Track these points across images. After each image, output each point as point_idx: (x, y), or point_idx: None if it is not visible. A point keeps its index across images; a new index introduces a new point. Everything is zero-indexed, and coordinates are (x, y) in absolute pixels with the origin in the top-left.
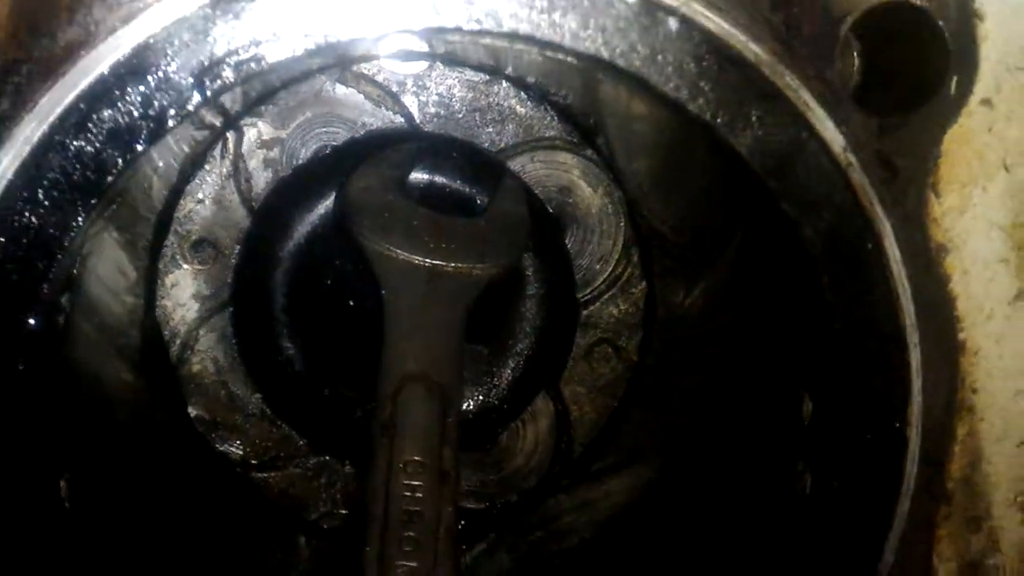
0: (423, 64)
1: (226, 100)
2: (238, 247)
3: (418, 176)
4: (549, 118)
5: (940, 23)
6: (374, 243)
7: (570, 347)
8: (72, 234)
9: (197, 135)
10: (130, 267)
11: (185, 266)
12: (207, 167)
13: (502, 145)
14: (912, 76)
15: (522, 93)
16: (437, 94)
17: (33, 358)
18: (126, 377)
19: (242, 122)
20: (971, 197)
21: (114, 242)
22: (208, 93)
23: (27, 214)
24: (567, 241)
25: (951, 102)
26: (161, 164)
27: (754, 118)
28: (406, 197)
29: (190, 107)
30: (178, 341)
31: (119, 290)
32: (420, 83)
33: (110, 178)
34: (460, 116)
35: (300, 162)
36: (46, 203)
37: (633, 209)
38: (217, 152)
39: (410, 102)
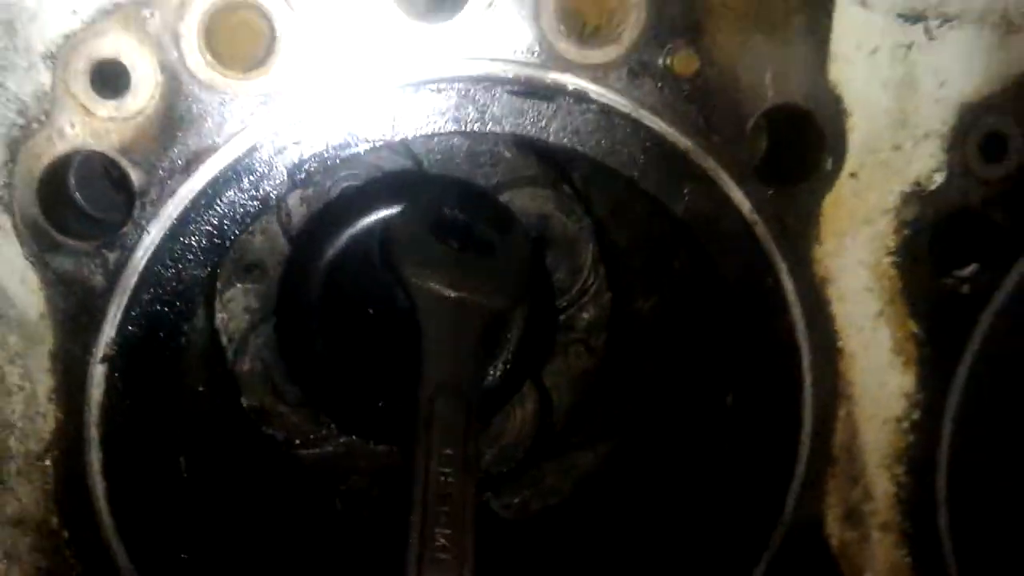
0: None
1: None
2: (280, 268)
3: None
4: (531, 159)
5: (818, 118)
6: (416, 279)
7: (551, 345)
8: (199, 281)
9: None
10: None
11: (238, 285)
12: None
13: (494, 182)
14: (799, 158)
15: (507, 141)
16: (440, 143)
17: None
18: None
19: None
20: (843, 244)
21: None
22: (296, 180)
23: (170, 269)
24: (547, 260)
25: (828, 176)
26: None
27: (686, 191)
28: (437, 239)
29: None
30: (233, 345)
31: None
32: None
33: (228, 243)
34: (459, 161)
35: (330, 199)
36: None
37: (600, 234)
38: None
39: (418, 148)
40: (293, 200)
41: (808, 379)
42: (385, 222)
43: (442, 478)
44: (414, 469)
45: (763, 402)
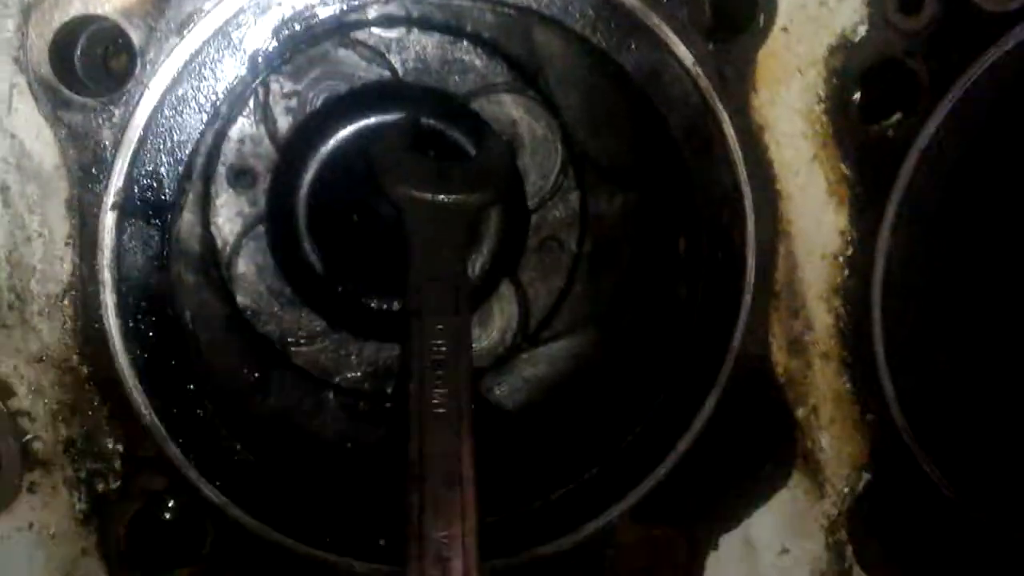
0: (403, 30)
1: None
2: (269, 175)
3: (424, 123)
4: (501, 67)
5: None
6: (399, 189)
7: (525, 244)
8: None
9: (234, 89)
10: (190, 193)
11: (230, 190)
12: (244, 114)
13: (466, 90)
14: (735, 14)
15: (479, 48)
16: (415, 53)
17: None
18: (188, 278)
19: (268, 79)
20: (778, 93)
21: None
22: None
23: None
24: (519, 162)
25: (761, 30)
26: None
27: (633, 45)
28: (416, 150)
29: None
30: (227, 248)
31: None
32: (401, 44)
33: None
34: (433, 69)
35: (313, 108)
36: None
37: (568, 137)
38: (251, 103)
39: (394, 60)
40: (279, 109)
41: (751, 220)
42: (365, 137)
43: (436, 348)
44: (410, 346)
45: (712, 244)
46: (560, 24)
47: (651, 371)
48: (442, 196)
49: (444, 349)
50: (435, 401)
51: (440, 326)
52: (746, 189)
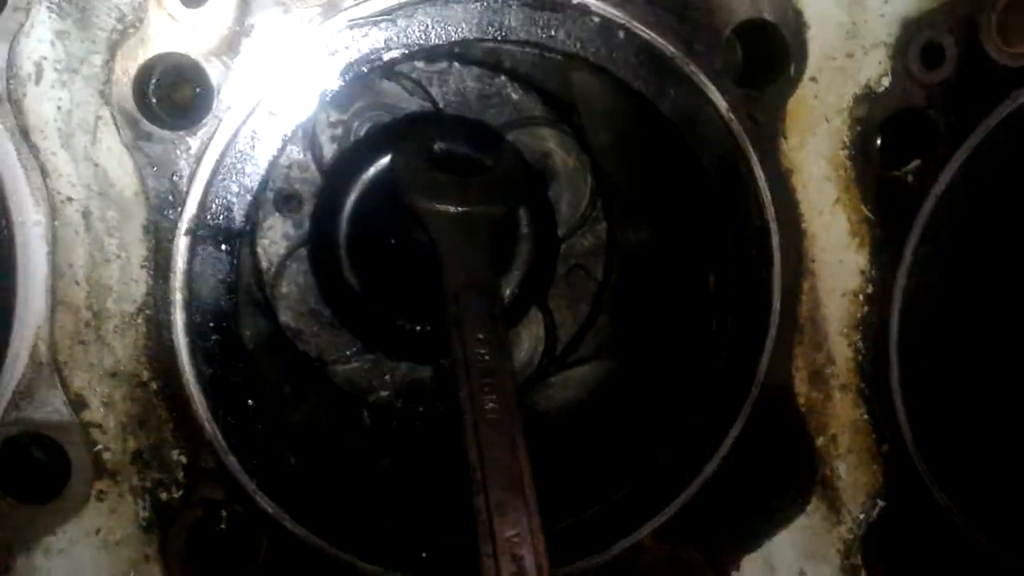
0: (444, 64)
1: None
2: (314, 200)
3: (440, 146)
4: (536, 101)
5: (782, 30)
6: (423, 203)
7: (554, 271)
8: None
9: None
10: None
11: (277, 214)
12: (292, 142)
13: (502, 122)
14: (768, 64)
15: (515, 83)
16: (455, 86)
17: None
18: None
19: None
20: (806, 139)
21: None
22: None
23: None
24: (549, 193)
25: (791, 80)
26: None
27: (671, 91)
28: (436, 165)
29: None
30: (272, 269)
31: None
32: (442, 78)
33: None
34: (471, 101)
35: (357, 137)
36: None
37: (597, 170)
38: (299, 131)
39: (435, 92)
40: (325, 138)
41: (777, 257)
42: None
43: (480, 358)
44: (455, 356)
45: (740, 279)
46: (605, 71)
47: (678, 398)
48: (464, 208)
49: (487, 357)
50: (487, 407)
51: (480, 335)
52: (774, 227)
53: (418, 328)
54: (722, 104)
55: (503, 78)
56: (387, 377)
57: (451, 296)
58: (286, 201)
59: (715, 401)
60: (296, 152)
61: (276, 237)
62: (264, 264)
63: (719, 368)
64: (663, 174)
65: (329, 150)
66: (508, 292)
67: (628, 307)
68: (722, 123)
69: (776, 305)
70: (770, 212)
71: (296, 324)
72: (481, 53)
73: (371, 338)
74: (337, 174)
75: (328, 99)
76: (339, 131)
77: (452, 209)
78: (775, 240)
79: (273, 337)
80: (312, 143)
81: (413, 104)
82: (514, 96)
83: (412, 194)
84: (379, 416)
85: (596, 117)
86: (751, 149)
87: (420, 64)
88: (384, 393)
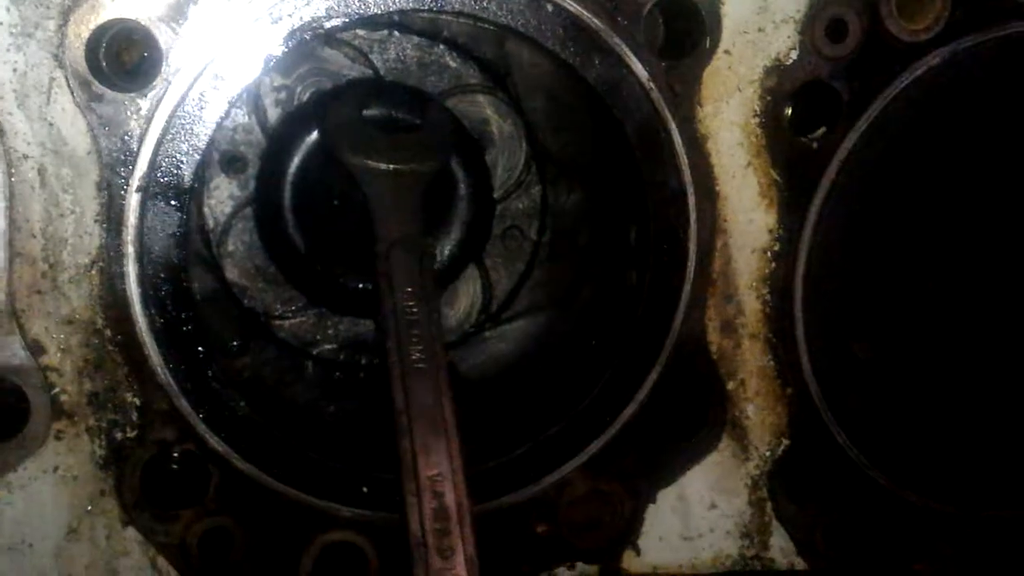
0: (385, 32)
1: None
2: (259, 161)
3: (371, 111)
4: (473, 69)
5: (699, 5)
6: (354, 159)
7: (490, 231)
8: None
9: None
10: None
11: (222, 175)
12: (237, 105)
13: (440, 89)
14: (685, 37)
15: (454, 52)
16: (395, 53)
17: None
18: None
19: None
20: (720, 107)
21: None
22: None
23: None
24: (487, 158)
25: (707, 52)
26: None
27: (597, 62)
28: (367, 123)
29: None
30: (218, 228)
31: None
32: (383, 45)
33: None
34: (411, 68)
35: (300, 101)
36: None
37: (531, 136)
38: (244, 95)
39: (376, 59)
40: (269, 101)
41: (693, 217)
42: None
43: (408, 309)
44: (384, 308)
45: (659, 237)
46: (534, 41)
47: (603, 347)
48: (395, 164)
49: (415, 310)
50: (413, 357)
51: (409, 288)
52: (690, 190)
53: (360, 285)
54: (643, 74)
55: (442, 47)
56: (330, 331)
57: (382, 251)
58: (231, 162)
59: (635, 349)
60: (241, 115)
61: (222, 197)
62: (211, 223)
63: (639, 319)
64: (590, 140)
65: (273, 113)
66: (447, 251)
67: (559, 265)
68: (643, 92)
69: (691, 261)
70: (687, 175)
71: (242, 280)
72: (420, 23)
73: (315, 294)
74: (281, 137)
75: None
76: (283, 95)
77: (383, 166)
78: (691, 201)
79: (220, 292)
80: (257, 107)
81: (354, 71)
82: (452, 64)
83: (344, 151)
84: (323, 367)
85: (530, 85)
86: (670, 116)
87: (361, 32)
88: (328, 346)
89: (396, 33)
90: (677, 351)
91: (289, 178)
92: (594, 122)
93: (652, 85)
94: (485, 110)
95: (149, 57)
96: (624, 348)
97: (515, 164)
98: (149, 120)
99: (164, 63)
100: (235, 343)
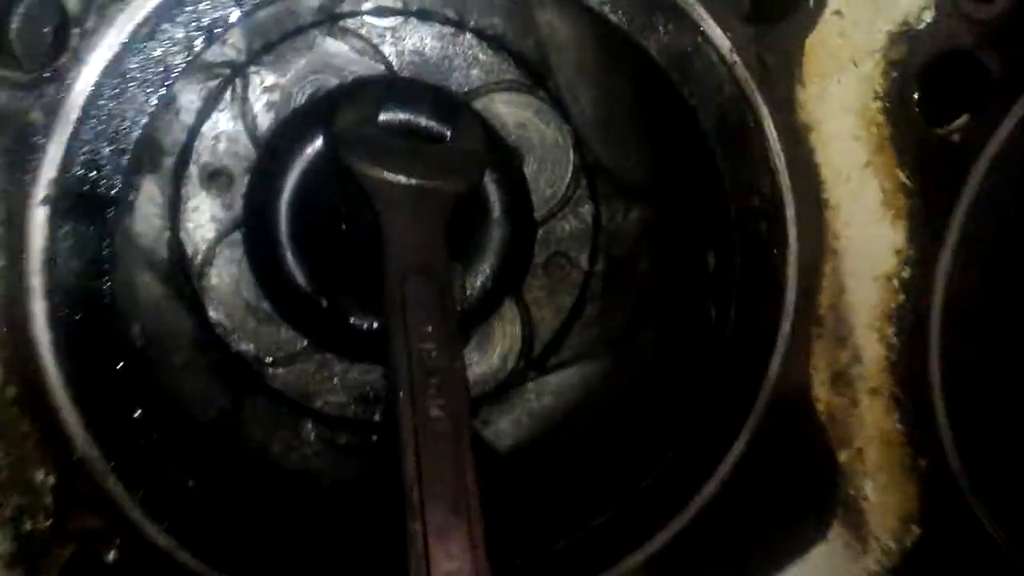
0: (399, 19)
1: (231, 52)
2: (247, 177)
3: (389, 115)
4: (506, 64)
5: None
6: (363, 168)
7: (531, 259)
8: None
9: (210, 83)
10: (158, 195)
11: (203, 193)
12: (220, 109)
13: (467, 88)
14: None
15: (483, 43)
16: (412, 45)
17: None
18: (156, 289)
19: (247, 70)
20: (828, 87)
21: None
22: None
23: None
24: (525, 169)
25: (810, 13)
26: (181, 108)
27: (660, 27)
28: (383, 130)
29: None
30: (199, 257)
31: (150, 216)
32: (397, 35)
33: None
34: (431, 63)
35: (297, 104)
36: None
37: (580, 141)
38: (227, 96)
39: (388, 52)
40: (259, 105)
41: (793, 233)
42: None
43: (426, 353)
44: (395, 350)
45: (747, 261)
46: (578, 4)
47: (673, 405)
48: (416, 179)
49: (434, 353)
50: (431, 415)
51: (429, 327)
52: (788, 197)
53: (373, 325)
54: (724, 44)
55: (468, 36)
56: (336, 381)
57: (395, 280)
58: (213, 177)
59: (716, 409)
60: (225, 120)
61: (203, 220)
62: (189, 250)
63: (720, 369)
64: (654, 139)
65: (265, 119)
66: (478, 284)
67: (617, 300)
68: (724, 68)
69: (791, 293)
70: (783, 178)
71: (229, 320)
72: (442, 6)
73: (318, 336)
74: (274, 147)
75: (241, 47)
76: (276, 97)
77: (402, 180)
78: (789, 212)
79: (199, 335)
80: (244, 110)
81: (363, 66)
82: (482, 57)
83: (356, 160)
84: (326, 426)
85: (575, 77)
86: (760, 100)
87: (371, 19)
88: (333, 399)
89: (413, 20)
90: (772, 411)
91: (286, 197)
92: (656, 116)
93: (736, 58)
94: (523, 112)
95: (58, 28)
96: (702, 407)
97: (560, 177)
98: (57, 109)
99: (74, 34)
100: (223, 398)
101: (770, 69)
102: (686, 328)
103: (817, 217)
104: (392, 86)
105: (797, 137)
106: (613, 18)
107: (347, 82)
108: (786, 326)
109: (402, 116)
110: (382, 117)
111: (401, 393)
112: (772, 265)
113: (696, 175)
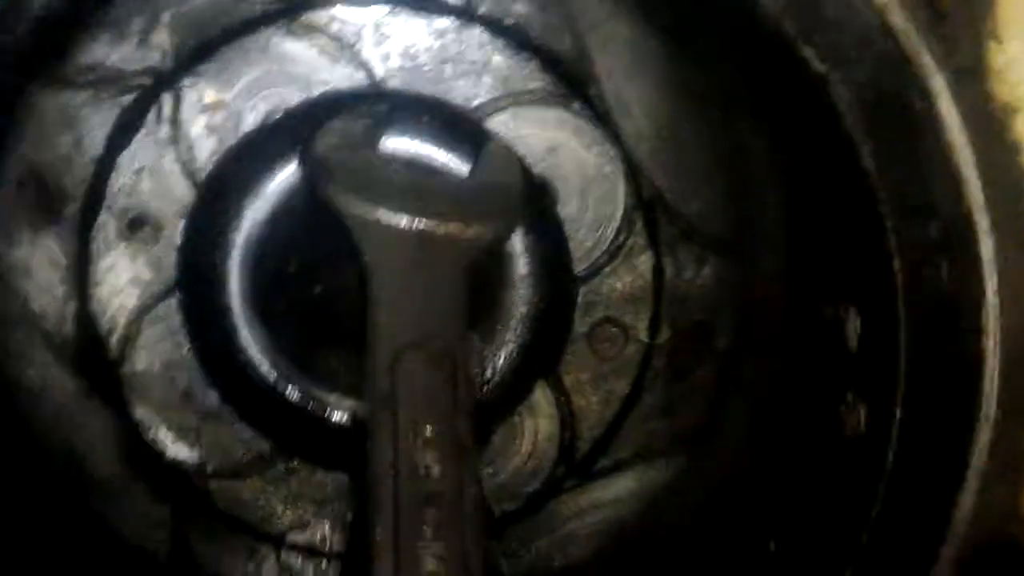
0: (383, 9)
1: (155, 55)
2: (181, 225)
3: (389, 142)
4: (531, 67)
5: None
6: (351, 205)
7: (569, 329)
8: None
9: (125, 100)
10: (59, 253)
11: (122, 247)
12: (142, 134)
13: (478, 102)
14: None
15: (499, 39)
16: (401, 44)
17: None
18: (64, 382)
19: (179, 83)
20: None
21: (39, 225)
22: None
23: None
24: (559, 209)
25: None
26: (85, 134)
27: None
28: (380, 158)
29: None
30: (117, 334)
31: (49, 280)
32: (380, 32)
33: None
34: (428, 69)
35: (249, 128)
36: None
37: (633, 170)
38: (151, 118)
39: (370, 55)
40: (197, 128)
41: (991, 282)
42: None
43: (422, 471)
44: (375, 465)
45: (911, 329)
46: None
47: (789, 547)
48: (422, 223)
49: (435, 470)
50: (427, 567)
51: (429, 428)
52: (983, 223)
53: (358, 421)
54: None
55: (479, 30)
56: (307, 498)
57: (383, 359)
58: (135, 227)
59: (867, 553)
60: (149, 150)
61: (121, 284)
62: (104, 327)
63: (873, 503)
64: (743, 153)
65: (206, 147)
66: (501, 363)
67: (690, 383)
68: (869, 8)
69: (990, 378)
70: (974, 190)
71: (159, 419)
72: None
73: (283, 437)
74: (220, 184)
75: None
76: (220, 118)
77: (404, 221)
78: (986, 246)
79: (120, 438)
80: (176, 136)
81: (335, 76)
82: (497, 59)
83: (339, 190)
84: (294, 558)
85: (625, 81)
86: (931, 64)
87: (345, 10)
88: (303, 521)
89: (402, 10)
90: (963, 561)
91: (238, 250)
92: (759, 103)
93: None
94: (555, 133)
95: None
96: (838, 552)
97: (608, 218)
98: None
99: None
100: (152, 526)
101: (944, 14)
102: (805, 431)
103: None
104: (387, 101)
105: (995, 125)
106: None
107: (316, 98)
108: (984, 435)
109: (405, 141)
110: (380, 141)
111: (378, 532)
112: (960, 333)
113: (821, 192)
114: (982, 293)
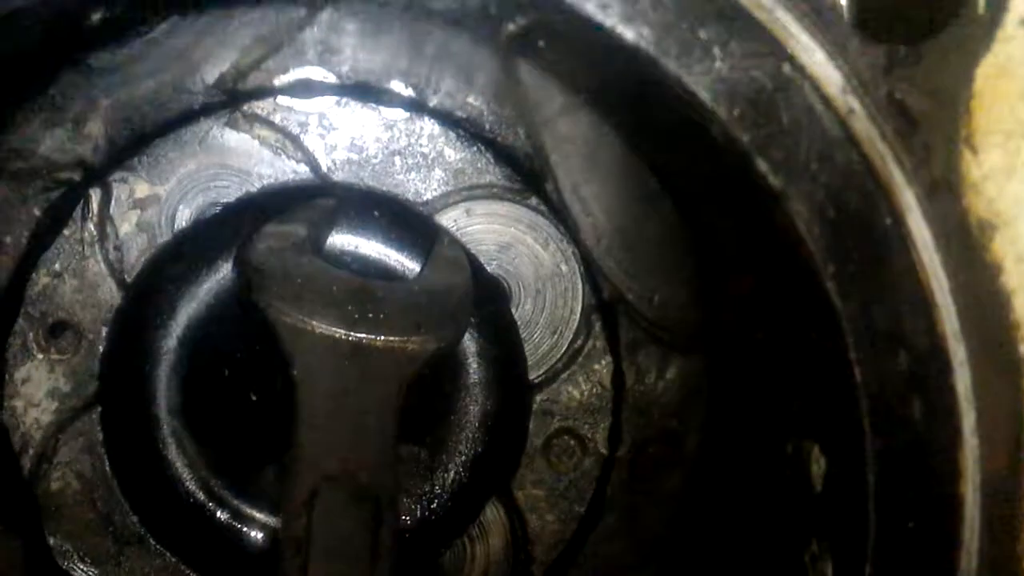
0: (330, 100)
1: (85, 147)
2: (106, 331)
3: (335, 240)
4: (484, 160)
5: None
6: (283, 313)
7: (524, 441)
8: None
9: (51, 195)
10: None
11: (39, 356)
12: (66, 233)
13: (428, 197)
14: None
15: (450, 132)
16: (348, 136)
17: None
18: None
19: (109, 177)
20: (1021, 152)
21: None
22: None
23: None
24: (513, 310)
25: (981, 24)
26: (3, 231)
27: (714, 47)
28: (321, 260)
29: None
30: (31, 451)
31: None
32: (327, 122)
33: None
34: (376, 161)
35: (183, 225)
36: None
37: (592, 269)
38: (78, 214)
39: (315, 146)
40: (126, 226)
41: (968, 420)
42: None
43: None
44: None
45: (881, 472)
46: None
47: None
48: (360, 334)
49: None
50: None
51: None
52: (957, 353)
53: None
54: (833, 78)
55: (429, 122)
56: None
57: (300, 493)
58: (54, 334)
59: None
60: (71, 250)
61: (37, 396)
62: (17, 442)
63: None
64: (705, 257)
65: (135, 246)
66: (449, 479)
67: (651, 501)
68: (833, 119)
69: (969, 528)
70: (947, 318)
71: (76, 546)
72: (389, 74)
73: (215, 564)
74: (150, 287)
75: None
76: (151, 215)
77: (338, 333)
78: (961, 380)
79: (33, 566)
80: (102, 235)
81: (278, 168)
82: (448, 152)
83: (271, 298)
84: None
85: (582, 175)
86: (900, 177)
87: (288, 100)
88: None
89: (349, 99)
90: None
91: (167, 358)
92: (718, 213)
93: (855, 103)
94: (509, 229)
95: None
96: None
97: (565, 320)
98: None
99: None
100: None
101: (914, 120)
102: (770, 559)
103: (1012, 389)
104: (333, 196)
105: (970, 244)
106: (630, 36)
107: (256, 192)
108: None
109: (352, 238)
110: (320, 243)
111: None
112: (934, 478)
113: (784, 313)
114: (958, 432)
